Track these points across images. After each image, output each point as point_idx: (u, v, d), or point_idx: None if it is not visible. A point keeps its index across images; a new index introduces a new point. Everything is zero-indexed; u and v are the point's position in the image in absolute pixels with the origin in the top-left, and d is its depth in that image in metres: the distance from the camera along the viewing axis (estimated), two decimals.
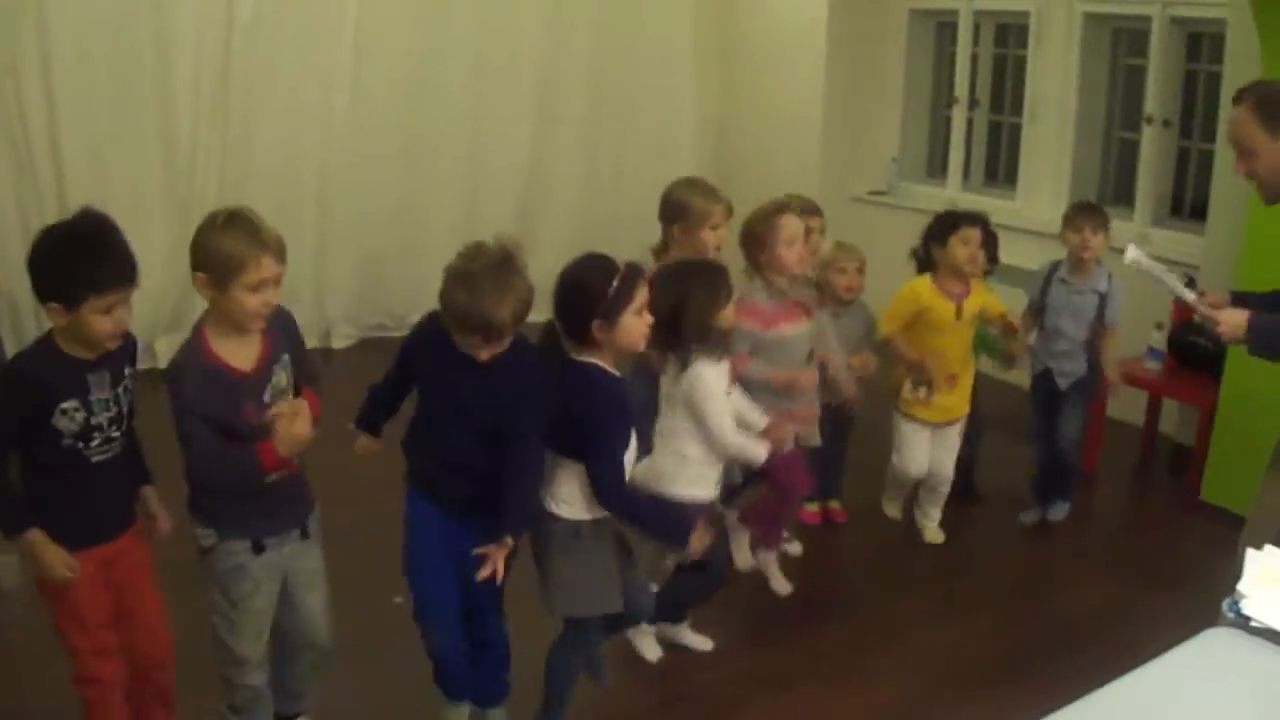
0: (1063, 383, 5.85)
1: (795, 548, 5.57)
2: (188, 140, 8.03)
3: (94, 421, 3.41)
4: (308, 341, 4.09)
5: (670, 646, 4.82)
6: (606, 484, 3.74)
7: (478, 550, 3.61)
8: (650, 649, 4.73)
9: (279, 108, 8.29)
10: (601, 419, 3.73)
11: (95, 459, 3.44)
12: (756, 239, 4.82)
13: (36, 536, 3.39)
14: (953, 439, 5.76)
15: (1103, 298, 5.74)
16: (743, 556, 5.17)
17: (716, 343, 4.23)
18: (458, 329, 3.49)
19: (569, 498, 3.85)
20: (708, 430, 4.20)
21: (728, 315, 4.26)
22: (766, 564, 5.30)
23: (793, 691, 4.61)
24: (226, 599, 3.59)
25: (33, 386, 3.35)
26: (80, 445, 3.40)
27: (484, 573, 3.60)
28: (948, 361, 5.54)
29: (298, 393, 3.58)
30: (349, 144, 8.57)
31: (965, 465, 6.11)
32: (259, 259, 3.35)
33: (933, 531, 5.93)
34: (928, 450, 5.71)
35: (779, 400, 4.77)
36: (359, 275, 8.79)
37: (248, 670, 3.67)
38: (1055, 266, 5.87)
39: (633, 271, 3.75)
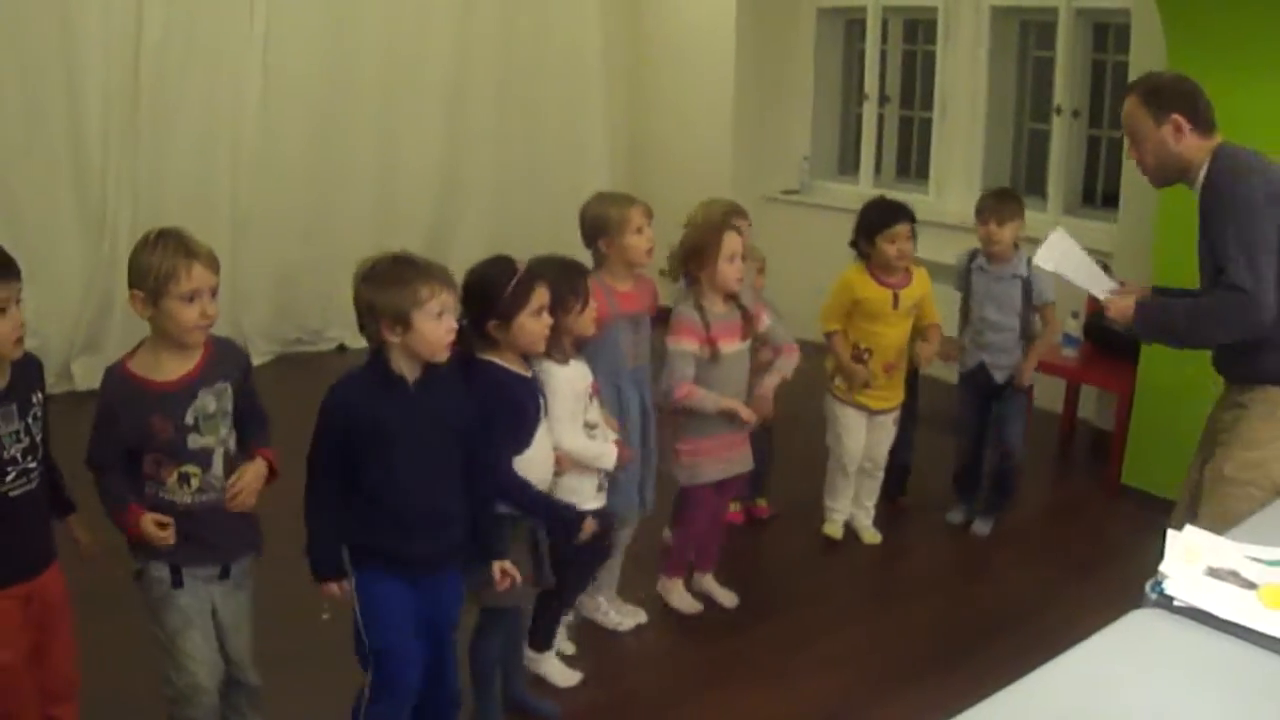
0: (999, 375, 5.76)
1: (730, 599, 5.32)
2: (98, 159, 7.93)
3: (6, 455, 3.34)
4: None
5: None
6: (491, 472, 3.79)
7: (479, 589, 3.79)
8: (564, 675, 4.64)
9: (190, 124, 8.21)
10: (489, 413, 3.76)
11: (13, 494, 3.37)
12: (696, 255, 4.81)
13: None
14: (888, 426, 5.77)
15: (1026, 281, 5.65)
16: (681, 599, 5.13)
17: (567, 345, 4.22)
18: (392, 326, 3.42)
19: None
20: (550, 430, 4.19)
21: (584, 320, 4.23)
22: (707, 584, 5.26)
23: (724, 691, 4.61)
24: (160, 627, 3.54)
25: None
26: None
27: (505, 584, 3.78)
28: (885, 351, 5.53)
29: (243, 443, 3.56)
30: (261, 153, 8.51)
31: (900, 466, 6.14)
32: (189, 268, 3.34)
33: (870, 532, 5.92)
34: (864, 435, 5.72)
35: (721, 427, 4.84)
36: (274, 290, 8.70)
37: (185, 705, 3.59)
38: (973, 255, 5.81)
39: (531, 274, 3.84)
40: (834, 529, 5.89)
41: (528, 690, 4.46)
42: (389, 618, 3.57)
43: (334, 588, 3.52)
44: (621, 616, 5.03)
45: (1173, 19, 5.82)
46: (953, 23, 8.25)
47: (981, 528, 5.98)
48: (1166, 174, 4.10)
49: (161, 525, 3.38)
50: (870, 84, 8.99)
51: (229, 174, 8.45)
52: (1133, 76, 6.89)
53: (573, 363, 4.21)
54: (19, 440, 3.38)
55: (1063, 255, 4.33)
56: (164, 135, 8.12)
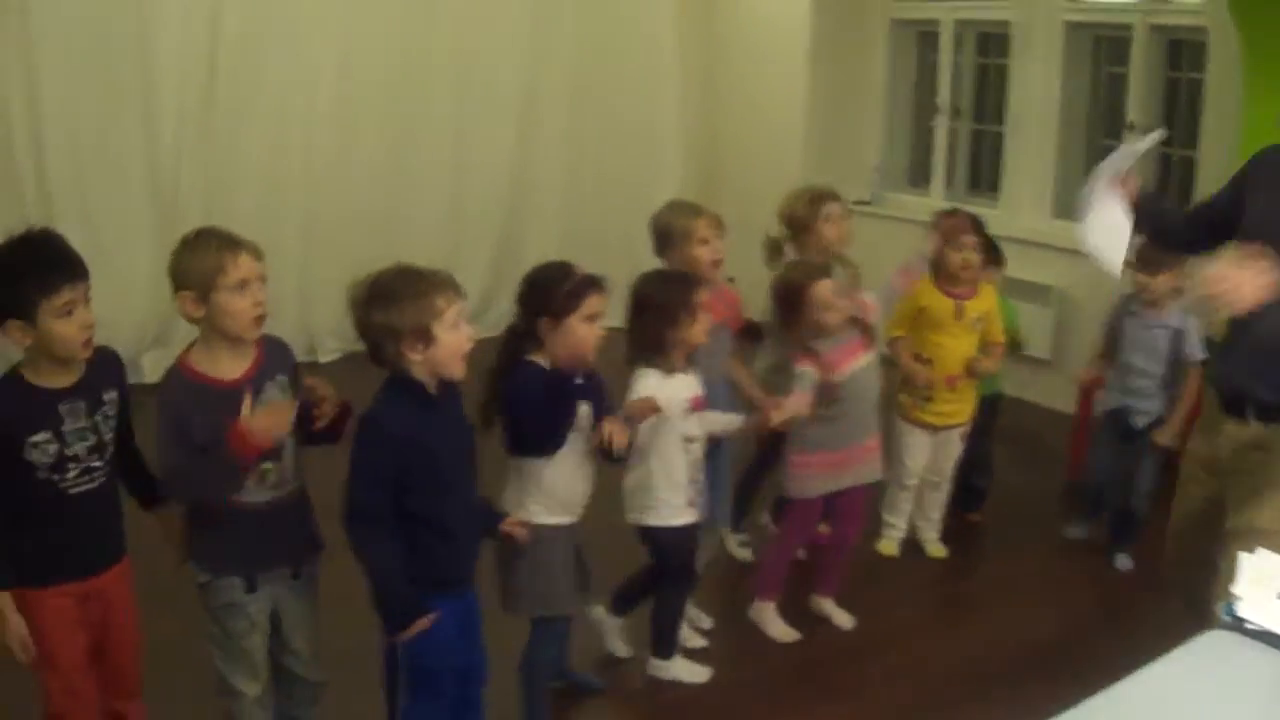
0: (1139, 421, 5.64)
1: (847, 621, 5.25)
2: (171, 157, 8.03)
3: (69, 453, 3.36)
4: None
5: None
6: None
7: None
8: (691, 671, 4.70)
9: (263, 123, 8.29)
10: (515, 406, 3.84)
11: (73, 491, 3.40)
12: (786, 307, 4.83)
13: (4, 601, 3.38)
14: (954, 441, 5.73)
15: (1177, 334, 5.50)
16: (776, 626, 5.01)
17: (676, 357, 4.29)
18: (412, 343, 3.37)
19: (515, 500, 3.95)
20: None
21: (694, 332, 4.27)
22: (827, 607, 5.20)
23: (787, 701, 4.64)
24: (223, 633, 3.57)
25: None
26: (55, 477, 3.36)
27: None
28: (947, 363, 5.50)
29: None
30: (333, 157, 8.58)
31: (976, 485, 6.13)
32: (235, 257, 3.33)
33: (935, 545, 5.90)
34: (926, 453, 5.70)
35: (839, 441, 4.83)
36: (343, 290, 8.70)
37: (246, 703, 3.63)
38: (1128, 298, 5.64)
39: (588, 279, 3.86)
40: (890, 546, 5.88)
41: (571, 667, 4.54)
42: (442, 640, 3.56)
43: (423, 622, 3.44)
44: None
45: (1250, 37, 5.79)
46: (1026, 36, 8.22)
47: (1125, 563, 5.80)
48: None
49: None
50: (943, 96, 8.98)
51: (301, 173, 8.52)
52: (1208, 94, 6.94)
53: (678, 375, 4.28)
54: (84, 438, 3.40)
55: (1103, 225, 4.16)
56: (237, 134, 8.20)
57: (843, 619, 5.16)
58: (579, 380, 3.90)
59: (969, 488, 6.08)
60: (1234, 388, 3.92)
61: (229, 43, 8.03)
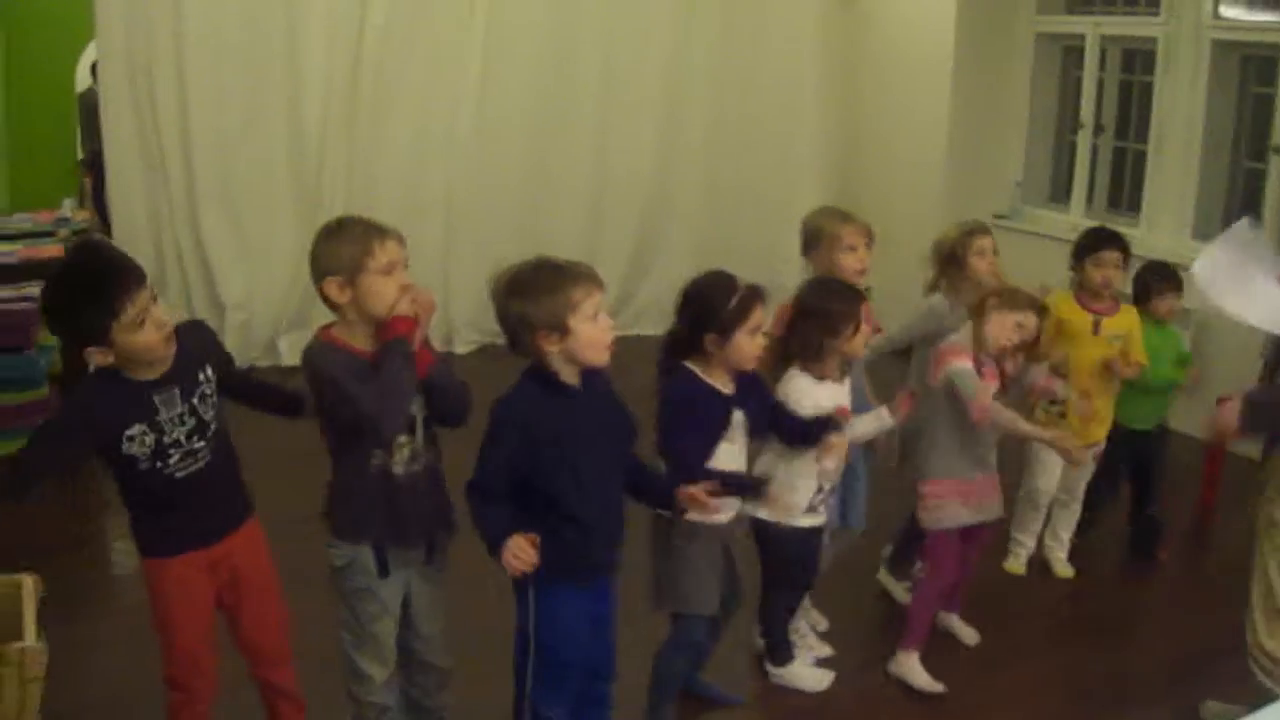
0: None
1: (972, 637, 5.25)
2: (316, 141, 8.23)
3: (167, 440, 3.45)
4: None
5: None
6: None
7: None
8: (813, 678, 4.75)
9: (407, 115, 8.47)
10: (670, 412, 3.94)
11: (179, 475, 3.50)
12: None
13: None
14: (1087, 462, 5.61)
15: None
16: (920, 678, 4.83)
17: (832, 366, 4.34)
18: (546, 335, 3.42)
19: None
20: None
21: (855, 344, 4.32)
22: (953, 624, 5.21)
23: (911, 713, 4.68)
24: (354, 617, 3.65)
25: (91, 420, 3.42)
26: (159, 465, 3.46)
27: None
28: (1079, 376, 5.41)
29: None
30: (476, 149, 8.76)
31: (1139, 520, 6.07)
32: (383, 242, 3.40)
33: (1062, 565, 5.88)
34: (1058, 472, 5.65)
35: (969, 469, 4.79)
36: (483, 283, 8.78)
37: (374, 688, 3.72)
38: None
39: (753, 292, 3.91)
40: (1018, 565, 5.87)
41: (704, 679, 4.57)
42: (570, 630, 3.63)
43: (518, 539, 3.38)
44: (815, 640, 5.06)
45: None
46: (1172, 54, 8.13)
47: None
48: None
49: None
50: (1086, 112, 8.91)
51: (443, 166, 8.70)
52: None
53: (829, 383, 4.33)
54: (182, 423, 3.48)
55: (1230, 261, 4.05)
56: (381, 124, 8.40)
57: (968, 635, 5.17)
58: (729, 391, 3.98)
59: (1145, 527, 6.03)
60: None
61: (374, 35, 8.22)
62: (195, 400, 3.52)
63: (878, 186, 9.66)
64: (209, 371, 3.60)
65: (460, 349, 8.77)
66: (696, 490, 3.71)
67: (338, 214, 3.63)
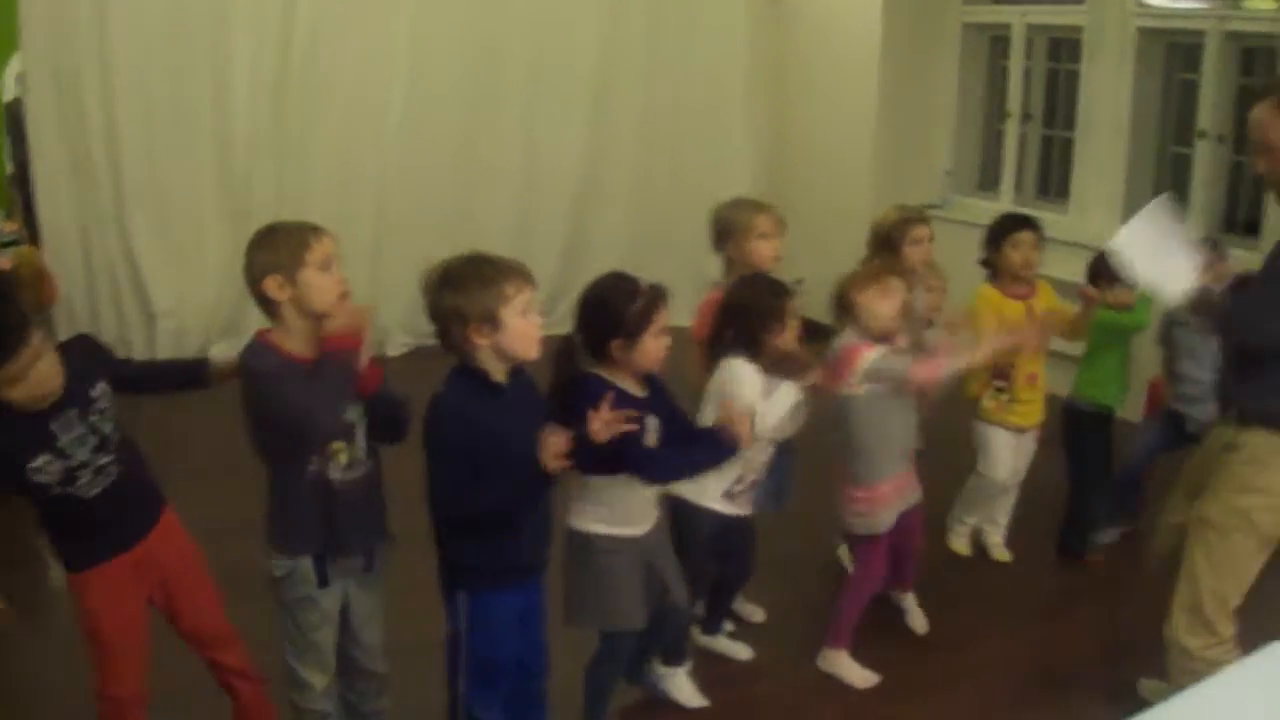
0: (1191, 426, 5.65)
1: (759, 615, 5.31)
2: (244, 147, 8.18)
3: (74, 464, 3.44)
4: None
5: (714, 658, 4.88)
6: (637, 469, 3.84)
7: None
8: (688, 694, 4.62)
9: (335, 118, 8.42)
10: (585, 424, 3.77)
11: (91, 494, 3.50)
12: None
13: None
14: (1030, 446, 5.73)
15: None
16: (852, 672, 4.84)
17: (766, 364, 4.31)
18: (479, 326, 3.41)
19: (582, 511, 3.95)
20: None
21: (785, 340, 4.30)
22: (906, 603, 5.25)
23: (850, 703, 4.68)
24: (295, 627, 3.63)
25: None
26: (69, 489, 3.45)
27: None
28: (1025, 360, 5.46)
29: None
30: (405, 152, 8.71)
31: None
32: (318, 236, 3.40)
33: (999, 549, 5.94)
34: (1013, 456, 5.70)
35: (898, 466, 4.77)
36: (414, 286, 8.74)
37: (314, 695, 3.71)
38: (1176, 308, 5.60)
39: (655, 293, 3.83)
40: (962, 544, 5.94)
41: (648, 670, 4.55)
42: (499, 632, 3.62)
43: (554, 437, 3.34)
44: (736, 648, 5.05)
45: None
46: (1098, 42, 8.20)
47: (1112, 536, 5.98)
48: None
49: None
50: (1014, 101, 8.97)
51: (372, 169, 8.66)
52: None
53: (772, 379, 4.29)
54: (84, 443, 3.47)
55: (1148, 239, 4.03)
56: (309, 127, 8.35)
57: (919, 622, 5.18)
58: (643, 394, 3.91)
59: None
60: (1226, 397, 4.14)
61: (302, 35, 8.18)
62: (93, 418, 3.51)
63: (808, 177, 9.72)
64: (102, 385, 3.57)
65: (392, 352, 8.71)
66: (601, 414, 3.52)
67: (267, 219, 3.60)
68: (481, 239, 8.34)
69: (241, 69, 8.09)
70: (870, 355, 4.51)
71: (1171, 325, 5.73)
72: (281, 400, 3.31)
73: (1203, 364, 5.60)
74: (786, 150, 10.16)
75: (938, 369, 4.50)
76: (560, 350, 3.88)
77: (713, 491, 4.38)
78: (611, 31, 9.42)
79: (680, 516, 4.41)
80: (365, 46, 8.44)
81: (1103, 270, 5.36)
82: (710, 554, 4.55)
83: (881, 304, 4.55)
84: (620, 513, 3.96)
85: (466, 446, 3.39)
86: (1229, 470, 3.95)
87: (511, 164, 9.21)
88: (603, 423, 3.48)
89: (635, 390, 3.88)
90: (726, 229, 4.89)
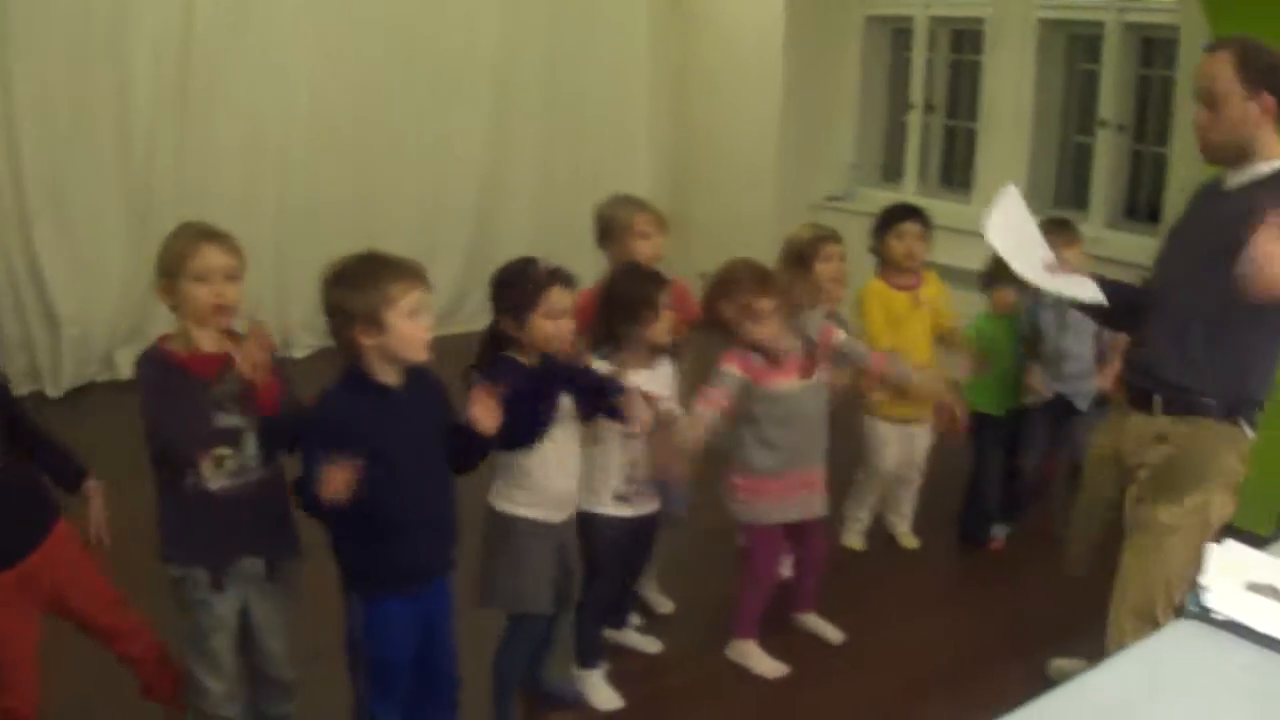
0: (1081, 403, 5.70)
1: (668, 607, 5.30)
2: (145, 148, 8.00)
3: None
4: None
5: (624, 653, 4.85)
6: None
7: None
8: (605, 697, 4.58)
9: (237, 119, 8.26)
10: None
11: None
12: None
13: None
14: (924, 438, 5.76)
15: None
16: (761, 662, 4.84)
17: (643, 352, 4.31)
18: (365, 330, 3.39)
19: (507, 494, 3.97)
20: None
21: (657, 330, 4.28)
22: (810, 623, 5.16)
23: (761, 692, 4.67)
24: (191, 629, 3.60)
25: None
26: None
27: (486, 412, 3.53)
28: (913, 351, 5.43)
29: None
30: (309, 151, 8.57)
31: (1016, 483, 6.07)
32: (198, 248, 3.38)
33: (907, 537, 5.97)
34: (896, 450, 5.71)
35: (786, 464, 4.71)
36: (318, 286, 8.67)
37: (213, 700, 3.67)
38: (1035, 295, 5.49)
39: (550, 275, 3.86)
40: (855, 539, 5.94)
41: (549, 677, 4.51)
42: (393, 636, 3.59)
43: (334, 471, 3.22)
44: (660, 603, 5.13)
45: (1222, 34, 5.81)
46: (1000, 33, 8.25)
47: (999, 533, 6.00)
48: (1226, 152, 3.79)
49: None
50: (916, 92, 9.02)
51: (275, 169, 8.50)
52: (1180, 92, 6.95)
53: (642, 372, 4.28)
54: None
55: (1009, 224, 4.09)
56: (211, 129, 8.18)
57: (832, 634, 5.10)
58: (559, 373, 3.91)
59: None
60: (1143, 376, 3.99)
61: (202, 36, 8.00)
62: None
63: (712, 171, 9.72)
64: None
65: (298, 353, 8.61)
66: (482, 393, 3.55)
67: (169, 221, 3.57)
68: (386, 240, 8.21)
69: (141, 70, 7.92)
70: (723, 368, 4.52)
71: (1035, 309, 5.72)
72: (149, 410, 3.35)
73: (1082, 335, 5.65)
74: (690, 144, 10.15)
75: (892, 360, 4.62)
76: (485, 335, 3.96)
77: (604, 497, 4.36)
78: (513, 25, 9.36)
79: (583, 527, 4.38)
80: (266, 47, 8.30)
81: (996, 271, 5.37)
82: (617, 559, 4.52)
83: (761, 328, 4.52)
84: (544, 496, 3.98)
85: (340, 447, 3.31)
86: (1173, 468, 3.87)
87: (415, 160, 9.11)
88: (483, 410, 3.50)
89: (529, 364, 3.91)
90: (608, 227, 4.92)
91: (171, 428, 3.33)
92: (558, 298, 3.85)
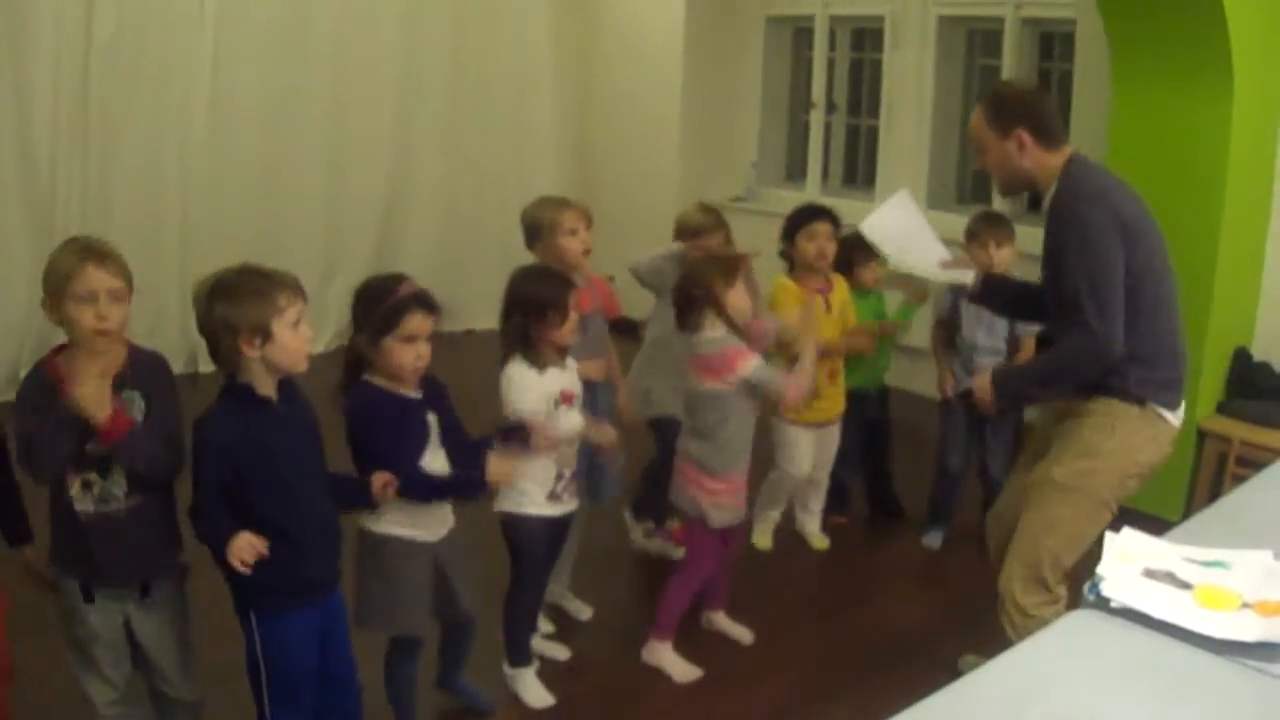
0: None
1: (587, 613, 5.24)
2: (47, 166, 7.88)
3: None
4: (175, 368, 4.06)
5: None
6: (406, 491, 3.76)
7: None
8: (536, 695, 4.54)
9: (139, 132, 8.17)
10: (361, 431, 3.77)
11: None
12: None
13: None
14: (833, 436, 5.73)
15: None
16: (676, 666, 4.79)
17: (547, 353, 4.25)
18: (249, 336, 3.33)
19: (377, 514, 3.86)
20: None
21: (563, 333, 4.24)
22: (720, 623, 5.11)
23: (677, 696, 4.65)
24: (72, 638, 3.55)
25: None
26: None
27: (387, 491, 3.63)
28: (827, 356, 5.38)
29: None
30: (209, 166, 8.45)
31: (878, 479, 6.21)
32: (84, 268, 3.30)
33: (817, 537, 5.95)
34: (811, 453, 5.66)
35: (740, 465, 4.69)
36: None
37: (101, 709, 3.62)
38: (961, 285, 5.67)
39: (411, 298, 3.76)
40: (764, 539, 5.90)
41: (465, 680, 4.45)
42: (295, 649, 3.53)
43: (240, 541, 3.24)
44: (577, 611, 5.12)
45: (1116, 29, 5.86)
46: (900, 31, 8.29)
47: (934, 540, 6.00)
48: (1014, 184, 4.19)
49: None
50: (818, 91, 9.02)
51: (178, 182, 8.39)
52: (1078, 86, 7.03)
53: (550, 370, 4.24)
54: None
55: (895, 224, 4.41)
56: (113, 142, 8.07)
57: (742, 634, 5.07)
58: (417, 395, 3.85)
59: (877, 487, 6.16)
60: None
61: (102, 47, 7.89)
62: None
63: (615, 172, 9.71)
64: None
65: (204, 368, 8.47)
66: (382, 480, 3.62)
67: (72, 235, 3.50)
68: (290, 249, 8.24)
69: (42, 85, 7.81)
70: (754, 363, 4.48)
71: (957, 300, 5.69)
72: (14, 424, 3.34)
73: (996, 334, 5.70)
74: (592, 146, 10.15)
75: (802, 387, 4.55)
76: (345, 353, 3.89)
77: (537, 498, 4.31)
78: (415, 30, 9.31)
79: (510, 529, 4.35)
80: (167, 58, 8.20)
81: (854, 250, 5.56)
82: (543, 559, 4.50)
83: (742, 299, 4.53)
84: (415, 516, 3.88)
85: (231, 462, 3.29)
86: (1075, 433, 4.04)
87: (318, 172, 9.04)
88: (381, 486, 3.60)
89: (410, 392, 3.84)
90: (535, 227, 4.87)
91: (29, 444, 3.28)
92: (418, 324, 3.74)
